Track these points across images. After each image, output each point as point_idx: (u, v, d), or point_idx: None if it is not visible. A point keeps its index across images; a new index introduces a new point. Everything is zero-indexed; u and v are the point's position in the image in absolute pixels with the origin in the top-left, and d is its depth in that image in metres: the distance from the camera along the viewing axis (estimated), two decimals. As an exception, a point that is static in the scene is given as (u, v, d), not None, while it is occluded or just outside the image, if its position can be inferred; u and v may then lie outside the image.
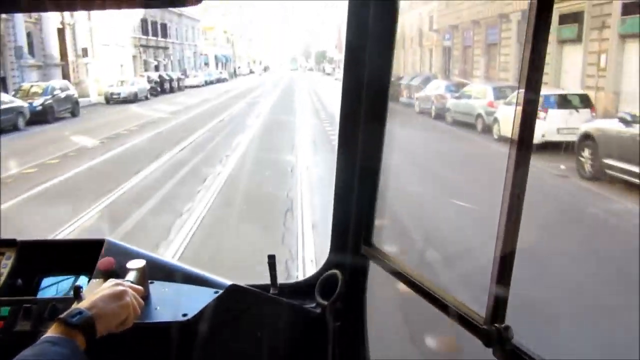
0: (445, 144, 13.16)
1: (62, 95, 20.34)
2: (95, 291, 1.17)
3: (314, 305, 1.70)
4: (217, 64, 75.24)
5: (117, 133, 15.31)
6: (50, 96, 19.37)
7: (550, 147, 11.04)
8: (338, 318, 1.64)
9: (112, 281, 1.24)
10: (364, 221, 1.66)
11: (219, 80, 56.02)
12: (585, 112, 10.89)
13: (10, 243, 1.59)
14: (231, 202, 7.96)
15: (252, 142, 13.70)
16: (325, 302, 1.63)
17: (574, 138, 10.70)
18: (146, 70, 44.11)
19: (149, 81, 33.81)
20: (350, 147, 1.62)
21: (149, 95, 31.13)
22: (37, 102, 18.62)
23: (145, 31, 44.96)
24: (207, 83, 49.80)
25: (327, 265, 1.75)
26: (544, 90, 13.82)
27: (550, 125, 10.96)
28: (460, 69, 28.38)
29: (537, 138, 12.04)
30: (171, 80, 37.85)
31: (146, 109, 23.79)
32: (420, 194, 7.68)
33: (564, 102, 11.55)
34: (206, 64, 70.92)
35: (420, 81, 21.76)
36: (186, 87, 45.75)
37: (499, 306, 1.03)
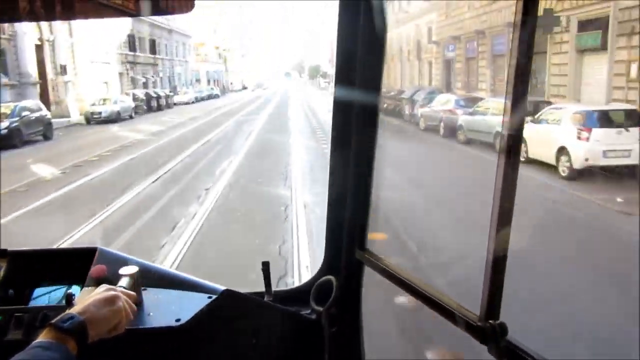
0: (464, 168, 11.28)
1: (33, 116, 18.37)
2: (87, 297, 1.15)
3: (309, 311, 1.67)
4: (208, 81, 73.65)
5: (85, 160, 13.37)
6: (17, 118, 17.40)
7: (597, 174, 9.15)
8: (333, 324, 1.62)
9: (104, 286, 1.21)
10: (358, 226, 1.64)
11: (210, 97, 54.30)
12: (635, 131, 9.07)
13: (0, 253, 1.55)
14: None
15: (238, 171, 11.87)
16: (321, 308, 1.60)
17: (627, 161, 8.82)
18: (134, 87, 42.36)
19: (135, 99, 31.93)
20: (343, 152, 1.61)
21: (133, 114, 29.21)
22: (3, 125, 16.70)
23: (132, 47, 43.20)
24: (197, 100, 48.02)
25: (322, 271, 1.74)
26: (580, 107, 12.08)
27: (595, 147, 9.09)
28: (464, 82, 26.71)
29: (579, 162, 10.20)
30: (158, 97, 36.00)
31: (127, 130, 21.88)
32: (458, 247, 5.73)
33: (607, 119, 9.72)
34: (197, 80, 69.34)
35: (424, 96, 19.96)
36: (175, 104, 44.00)
37: (493, 303, 1.03)
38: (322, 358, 1.63)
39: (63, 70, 26.38)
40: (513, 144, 0.97)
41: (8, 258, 1.56)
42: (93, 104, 27.52)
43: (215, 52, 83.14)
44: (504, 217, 0.98)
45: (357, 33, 1.50)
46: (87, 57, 32.74)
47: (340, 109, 1.64)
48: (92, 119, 25.98)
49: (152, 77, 47.71)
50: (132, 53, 42.83)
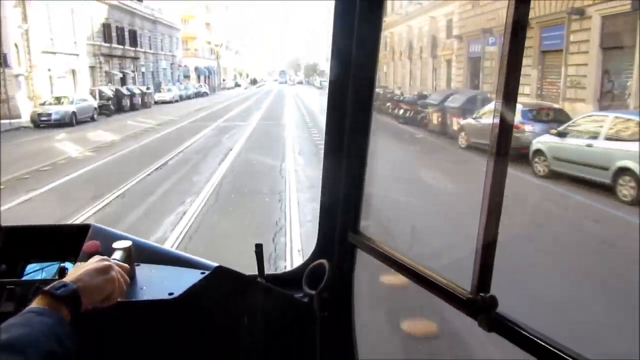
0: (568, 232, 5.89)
1: None
2: (80, 267, 1.14)
3: (301, 295, 1.66)
4: (198, 77, 68.45)
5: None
6: None
7: None
8: (325, 308, 1.60)
9: (97, 257, 1.19)
10: (351, 209, 1.62)
11: (197, 95, 49.15)
12: None
13: None
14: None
15: (212, 206, 7.08)
16: (313, 292, 1.59)
17: None
18: (110, 83, 37.18)
19: (102, 97, 26.77)
20: (338, 136, 1.60)
21: (95, 116, 24.07)
22: None
23: (108, 38, 37.88)
24: (182, 98, 42.84)
25: (315, 255, 1.73)
26: None
27: None
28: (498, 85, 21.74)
29: None
30: (132, 95, 30.71)
31: (74, 138, 16.84)
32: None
33: None
34: (186, 76, 64.12)
35: (462, 102, 14.90)
36: (156, 102, 38.94)
37: (484, 277, 1.04)
38: (313, 341, 1.60)
39: (4, 60, 21.10)
40: (504, 135, 0.99)
41: (1, 233, 1.53)
42: (43, 103, 22.35)
43: (207, 47, 77.84)
44: (494, 195, 1.00)
45: (352, 32, 1.49)
46: (47, 46, 27.54)
47: (335, 95, 1.60)
48: (39, 122, 20.82)
49: (132, 72, 42.43)
50: (107, 44, 37.52)
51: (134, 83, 43.71)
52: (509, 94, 0.98)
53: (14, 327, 0.91)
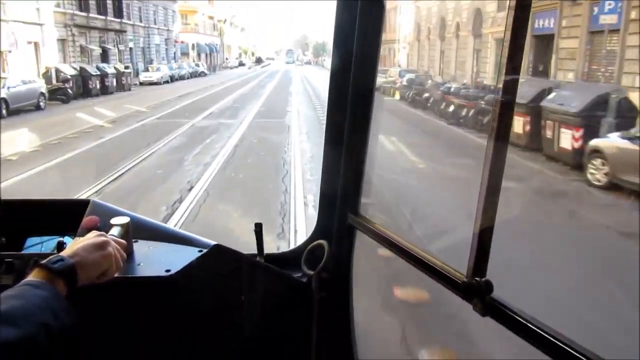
0: None
1: None
2: (77, 242, 1.12)
3: (300, 275, 1.63)
4: (198, 55, 62.10)
5: None
6: None
7: None
8: (324, 288, 1.58)
9: (94, 232, 1.17)
10: (351, 191, 1.61)
11: (194, 75, 42.95)
12: None
13: None
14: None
15: None
16: (311, 272, 1.57)
17: None
18: (87, 60, 31.16)
19: (60, 79, 20.81)
20: (339, 118, 1.58)
21: (43, 103, 18.16)
22: None
23: (84, 6, 31.51)
24: (174, 79, 36.69)
25: (314, 236, 1.71)
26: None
27: None
28: (583, 71, 15.75)
29: None
30: (104, 75, 24.63)
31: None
32: None
33: None
34: (184, 54, 57.78)
35: (586, 104, 8.73)
36: (142, 83, 32.93)
37: (480, 261, 1.03)
38: (310, 322, 1.59)
39: None
40: (504, 121, 0.99)
41: (1, 206, 1.51)
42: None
43: (209, 22, 71.19)
44: (492, 181, 0.99)
45: (354, 21, 1.48)
46: (-6, 12, 21.53)
47: (338, 77, 1.58)
48: (-46, 112, 15.03)
49: (115, 46, 36.25)
50: (83, 13, 31.23)
51: (121, 60, 37.60)
52: (511, 75, 0.97)
53: (9, 299, 0.90)
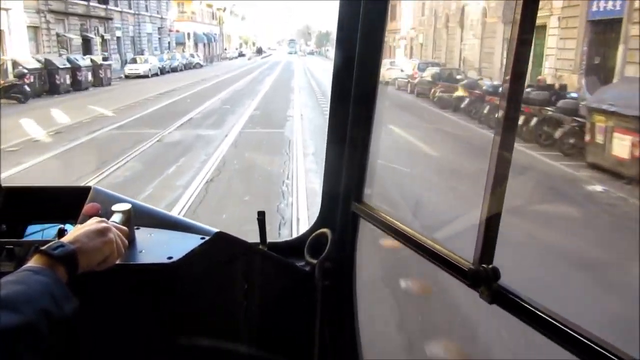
0: None
1: None
2: (78, 227, 1.10)
3: (303, 263, 1.60)
4: (196, 45, 58.42)
5: None
6: None
7: None
8: (327, 277, 1.54)
9: (95, 219, 1.13)
10: (355, 179, 1.57)
11: (188, 67, 39.34)
12: None
13: None
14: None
15: None
16: (315, 261, 1.53)
17: None
18: (67, 50, 27.66)
19: (16, 73, 17.29)
20: (343, 104, 1.54)
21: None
22: None
23: (61, -11, 28.06)
24: (164, 71, 33.09)
25: (317, 224, 1.66)
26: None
27: None
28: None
29: None
30: (76, 68, 21.04)
31: None
32: None
33: None
34: (180, 43, 54.11)
35: None
36: (128, 76, 29.41)
37: (487, 248, 1.01)
38: (314, 310, 1.55)
39: None
40: (512, 112, 0.98)
41: (2, 193, 1.51)
42: None
43: (207, 11, 67.36)
44: (500, 169, 0.98)
45: (358, 14, 1.46)
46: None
47: (342, 63, 1.53)
48: None
49: (98, 35, 32.62)
50: (60, -3, 27.74)
51: (106, 50, 34.08)
52: (519, 66, 0.95)
53: (10, 284, 0.88)
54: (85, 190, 1.50)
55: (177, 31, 51.09)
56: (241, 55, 72.91)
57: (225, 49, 70.68)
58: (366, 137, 1.54)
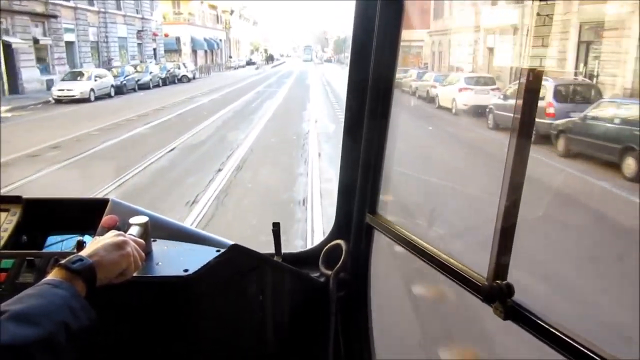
0: None
1: None
2: (96, 241, 1.09)
3: (317, 274, 1.58)
4: (195, 52, 48.03)
5: None
6: None
7: None
8: (342, 288, 1.53)
9: (113, 232, 1.13)
10: (369, 190, 1.54)
11: (169, 81, 28.82)
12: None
13: (15, 200, 1.50)
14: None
15: None
16: (329, 272, 1.52)
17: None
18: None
19: None
20: (357, 116, 1.51)
21: None
22: None
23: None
24: (121, 90, 22.44)
25: (332, 235, 1.65)
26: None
27: None
28: None
29: None
30: None
31: None
32: None
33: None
34: (173, 51, 43.81)
35: None
36: (58, 100, 19.00)
37: (501, 264, 0.99)
38: (328, 321, 1.51)
39: None
40: (528, 117, 0.94)
41: (23, 205, 1.49)
42: None
43: (210, 13, 56.96)
44: (514, 183, 0.95)
45: (374, 20, 1.40)
46: None
47: (356, 76, 1.50)
48: None
49: (28, 41, 22.05)
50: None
51: (43, 59, 23.73)
52: (535, 70, 0.92)
53: (29, 298, 0.88)
54: (104, 201, 1.49)
55: (167, 35, 40.57)
56: (250, 63, 62.29)
57: (231, 57, 60.08)
58: (381, 149, 1.50)
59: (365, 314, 1.62)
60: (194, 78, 34.19)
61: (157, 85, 26.88)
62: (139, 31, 34.78)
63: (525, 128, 0.93)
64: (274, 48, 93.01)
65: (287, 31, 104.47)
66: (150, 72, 26.75)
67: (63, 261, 0.97)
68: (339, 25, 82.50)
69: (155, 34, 37.56)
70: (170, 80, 29.40)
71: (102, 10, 29.26)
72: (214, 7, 57.16)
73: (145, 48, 36.15)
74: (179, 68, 32.06)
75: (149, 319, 1.26)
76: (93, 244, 1.06)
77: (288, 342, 1.52)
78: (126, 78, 23.42)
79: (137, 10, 34.48)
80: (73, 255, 0.99)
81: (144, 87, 25.09)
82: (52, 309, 0.87)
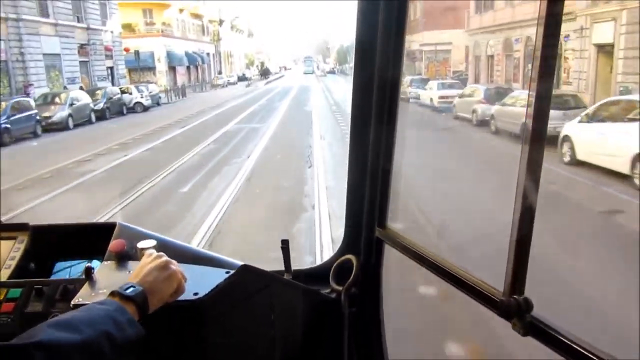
0: None
1: None
2: (138, 266, 1.09)
3: (328, 290, 1.53)
4: (173, 69, 38.93)
5: None
6: None
7: None
8: (353, 303, 1.49)
9: (152, 253, 1.11)
10: (378, 203, 1.51)
11: (108, 114, 19.64)
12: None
13: (22, 227, 1.48)
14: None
15: None
16: (340, 288, 1.48)
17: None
18: None
19: None
20: (364, 128, 1.47)
21: None
22: None
23: None
24: None
25: (342, 250, 1.61)
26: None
27: None
28: None
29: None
30: None
31: None
32: None
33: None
34: (148, 68, 34.87)
35: None
36: None
37: (517, 278, 0.95)
38: (341, 337, 1.49)
39: None
40: (540, 128, 0.91)
41: (30, 232, 1.47)
42: None
43: (193, 23, 47.81)
44: (529, 194, 0.91)
45: (376, 23, 1.34)
46: None
47: (361, 88, 1.45)
48: None
49: None
50: None
51: None
52: (545, 81, 0.89)
53: (74, 312, 0.90)
54: (111, 226, 1.45)
55: (127, 51, 31.25)
56: (243, 79, 53.02)
57: (219, 73, 50.82)
58: (388, 161, 1.46)
59: (378, 329, 1.57)
60: (157, 104, 24.90)
61: (89, 122, 17.62)
62: (82, 45, 25.49)
63: (537, 136, 0.90)
64: (272, 61, 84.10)
65: (286, 43, 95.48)
66: (71, 104, 17.27)
67: (117, 289, 0.97)
68: (340, 33, 73.78)
69: (108, 49, 28.20)
70: (113, 110, 20.12)
71: (13, 16, 20.00)
72: (198, 17, 48.02)
73: (94, 68, 26.85)
74: (130, 93, 22.62)
75: (159, 345, 1.15)
76: (139, 271, 1.05)
77: (301, 359, 1.44)
78: (11, 119, 13.97)
79: (77, 17, 25.19)
80: (124, 284, 0.99)
81: (54, 128, 15.75)
82: (96, 319, 0.87)
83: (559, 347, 0.85)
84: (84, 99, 18.48)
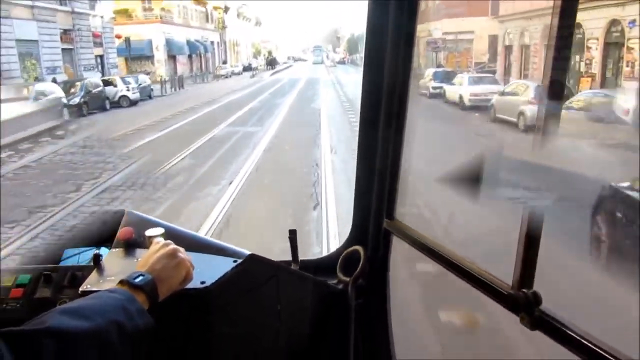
0: None
1: None
2: (146, 254, 1.08)
3: (335, 281, 1.51)
4: (173, 58, 36.21)
5: None
6: None
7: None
8: (360, 295, 1.47)
9: (160, 242, 1.11)
10: (387, 195, 1.48)
11: (86, 110, 17.05)
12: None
13: None
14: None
15: None
16: (347, 279, 1.46)
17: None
18: None
19: None
20: (373, 119, 1.45)
21: None
22: None
23: None
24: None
25: (350, 241, 1.58)
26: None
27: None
28: None
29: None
30: None
31: None
32: None
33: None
34: (144, 57, 32.35)
35: None
36: None
37: (526, 272, 0.95)
38: (348, 329, 1.46)
39: None
40: (551, 121, 0.91)
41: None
42: None
43: (196, 10, 44.88)
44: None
45: (387, 22, 1.35)
46: None
47: (371, 78, 1.43)
48: None
49: None
50: None
51: None
52: (558, 74, 0.88)
53: (84, 300, 0.90)
54: (119, 213, 1.45)
55: (119, 37, 28.48)
56: (247, 69, 50.12)
57: (224, 62, 47.92)
58: (398, 153, 1.45)
59: (385, 321, 1.57)
60: (148, 97, 22.22)
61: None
62: (65, 31, 22.77)
63: (549, 133, 0.90)
64: (281, 50, 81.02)
65: (295, 32, 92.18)
66: (37, 98, 14.56)
67: (125, 277, 0.96)
68: (351, 22, 70.64)
69: (96, 35, 25.43)
70: (93, 105, 17.44)
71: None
72: (202, 3, 45.00)
73: (80, 56, 24.14)
74: (115, 85, 19.88)
75: (166, 333, 1.11)
76: (147, 259, 1.05)
77: (307, 350, 1.44)
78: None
79: (59, 1, 22.42)
80: (132, 272, 0.98)
81: None
82: (105, 308, 0.86)
83: (567, 342, 0.84)
84: (55, 92, 15.72)
